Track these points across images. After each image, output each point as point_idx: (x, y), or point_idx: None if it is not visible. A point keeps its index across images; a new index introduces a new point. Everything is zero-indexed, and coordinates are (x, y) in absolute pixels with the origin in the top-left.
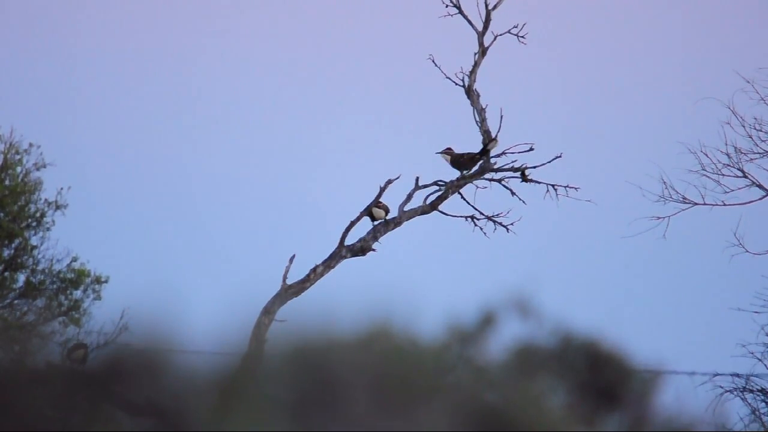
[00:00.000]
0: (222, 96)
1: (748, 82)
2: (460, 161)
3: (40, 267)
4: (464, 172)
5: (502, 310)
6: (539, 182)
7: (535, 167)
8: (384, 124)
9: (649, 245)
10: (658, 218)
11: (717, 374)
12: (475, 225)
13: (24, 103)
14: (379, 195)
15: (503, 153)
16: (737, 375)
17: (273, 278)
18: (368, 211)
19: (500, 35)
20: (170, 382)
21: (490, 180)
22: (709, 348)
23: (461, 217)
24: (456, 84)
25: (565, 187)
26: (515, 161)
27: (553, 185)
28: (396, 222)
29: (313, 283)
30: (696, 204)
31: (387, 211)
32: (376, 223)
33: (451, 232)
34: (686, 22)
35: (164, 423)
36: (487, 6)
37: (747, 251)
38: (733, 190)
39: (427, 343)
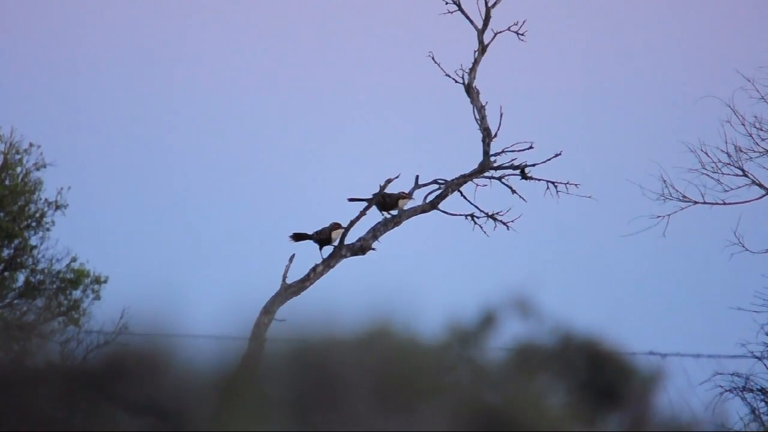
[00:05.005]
0: (222, 95)
1: (749, 80)
2: (386, 202)
3: (39, 267)
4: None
5: (503, 310)
6: (539, 179)
7: (534, 165)
8: (383, 122)
9: (649, 244)
10: (658, 217)
11: (717, 373)
12: (475, 223)
13: (24, 103)
14: (379, 193)
15: (503, 151)
16: (737, 374)
17: (273, 277)
18: (385, 202)
19: (500, 32)
20: (170, 382)
21: (490, 178)
22: (709, 347)
23: (461, 215)
24: (456, 81)
25: (565, 184)
26: (515, 159)
27: (553, 182)
28: (396, 221)
29: (313, 283)
30: (696, 203)
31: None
32: (393, 212)
33: (451, 231)
34: (686, 21)
35: (164, 422)
36: (486, 3)
37: (747, 250)
38: (733, 189)
39: (427, 342)
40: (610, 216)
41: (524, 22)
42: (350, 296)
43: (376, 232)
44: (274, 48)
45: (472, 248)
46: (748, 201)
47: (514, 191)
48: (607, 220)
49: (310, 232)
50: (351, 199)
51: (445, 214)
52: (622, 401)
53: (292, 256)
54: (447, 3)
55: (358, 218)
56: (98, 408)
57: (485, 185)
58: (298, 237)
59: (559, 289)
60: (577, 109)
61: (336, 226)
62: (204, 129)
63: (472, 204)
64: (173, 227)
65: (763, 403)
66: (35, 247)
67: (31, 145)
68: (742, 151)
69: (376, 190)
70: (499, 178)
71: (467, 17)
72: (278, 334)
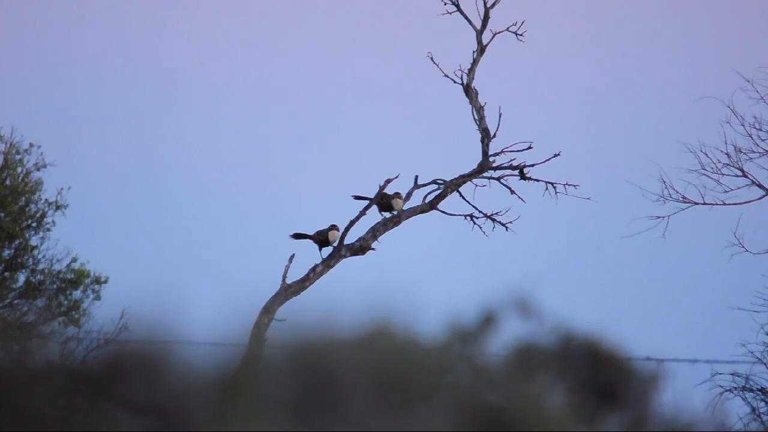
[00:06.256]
0: (222, 96)
1: (748, 81)
2: (383, 203)
3: (40, 267)
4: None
5: (503, 310)
6: (538, 180)
7: (533, 165)
8: (382, 123)
9: (649, 245)
10: (658, 217)
11: (717, 373)
12: (474, 224)
13: (24, 103)
14: (378, 194)
15: (502, 151)
16: (737, 374)
17: (273, 277)
18: (382, 202)
19: (499, 33)
20: (170, 382)
21: (489, 178)
22: (709, 347)
23: (460, 215)
24: (455, 82)
25: (563, 185)
26: (514, 159)
27: (551, 183)
28: (395, 221)
29: (312, 283)
30: (696, 203)
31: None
32: (394, 212)
33: (450, 231)
34: (686, 21)
35: (164, 422)
36: (485, 4)
37: (747, 251)
38: (732, 190)
39: (427, 342)
40: (609, 217)
41: (523, 22)
42: (350, 296)
43: (375, 232)
44: (272, 48)
45: (471, 248)
46: (748, 201)
47: (513, 192)
48: (607, 221)
49: (310, 233)
50: (356, 197)
51: (445, 215)
52: (622, 401)
53: (292, 256)
54: (446, 3)
55: (357, 218)
56: (98, 408)
57: (484, 185)
58: (298, 236)
59: (559, 289)
60: (576, 109)
61: (333, 228)
62: (204, 129)
63: (471, 204)
64: (173, 227)
65: (763, 403)
66: (35, 247)
67: (31, 145)
68: (741, 152)
69: (377, 190)
70: (498, 179)
71: (466, 18)
72: (278, 334)
